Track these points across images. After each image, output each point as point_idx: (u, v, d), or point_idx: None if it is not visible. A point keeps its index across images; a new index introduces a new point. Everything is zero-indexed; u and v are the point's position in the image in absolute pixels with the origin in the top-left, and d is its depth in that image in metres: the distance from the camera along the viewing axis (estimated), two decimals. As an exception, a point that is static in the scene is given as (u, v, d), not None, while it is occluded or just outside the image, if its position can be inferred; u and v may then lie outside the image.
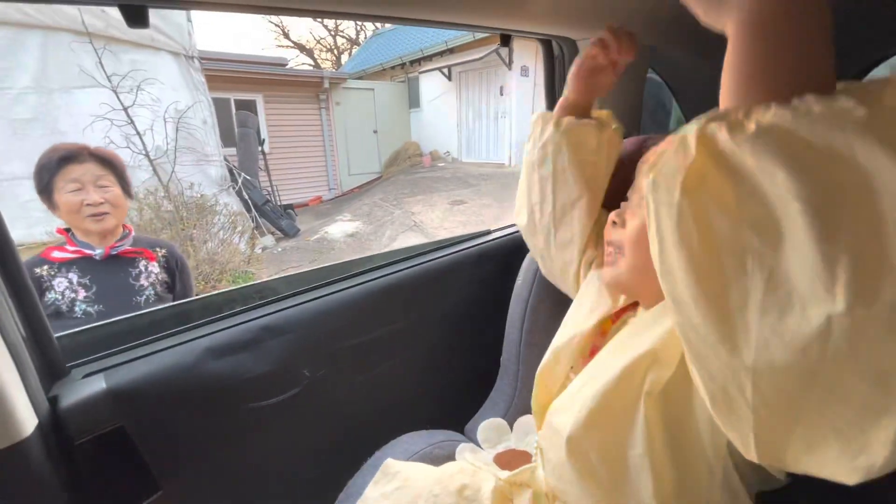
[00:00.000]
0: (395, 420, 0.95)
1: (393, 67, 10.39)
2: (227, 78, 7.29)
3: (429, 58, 9.40)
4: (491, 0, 0.68)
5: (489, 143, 8.95)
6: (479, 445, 0.87)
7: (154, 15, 4.62)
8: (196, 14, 6.18)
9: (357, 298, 1.00)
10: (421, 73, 9.69)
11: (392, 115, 10.05)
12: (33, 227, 4.03)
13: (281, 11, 0.61)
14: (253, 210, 5.51)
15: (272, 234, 5.84)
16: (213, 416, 0.81)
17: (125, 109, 3.96)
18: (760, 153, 0.27)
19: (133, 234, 1.24)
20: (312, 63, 16.68)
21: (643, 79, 1.04)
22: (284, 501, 0.88)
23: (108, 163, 1.16)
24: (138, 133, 4.06)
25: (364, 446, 0.87)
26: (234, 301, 1.03)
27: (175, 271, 1.31)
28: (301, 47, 16.81)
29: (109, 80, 3.90)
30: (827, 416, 0.27)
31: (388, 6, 0.72)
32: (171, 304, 1.23)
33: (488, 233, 1.30)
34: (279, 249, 5.40)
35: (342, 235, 5.72)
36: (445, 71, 9.07)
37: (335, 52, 17.15)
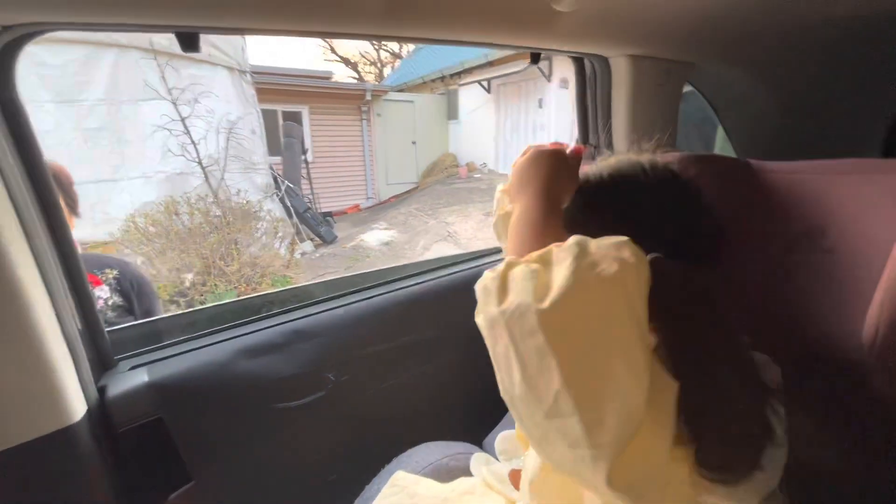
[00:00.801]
0: (415, 429, 0.96)
1: (433, 80, 10.58)
2: (276, 91, 7.65)
3: (468, 71, 9.51)
4: (521, 19, 0.70)
5: (526, 155, 8.90)
6: (496, 458, 0.87)
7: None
8: (250, 31, 6.52)
9: (384, 306, 1.03)
10: (460, 85, 9.82)
11: (431, 126, 10.21)
12: (97, 228, 4.36)
13: (315, 34, 0.65)
14: (294, 216, 5.73)
15: (311, 240, 6.04)
16: (243, 414, 0.85)
17: (182, 120, 4.25)
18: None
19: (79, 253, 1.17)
20: (357, 76, 17.26)
21: (679, 96, 1.02)
22: (306, 501, 0.91)
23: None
24: (193, 142, 4.34)
25: (384, 453, 0.89)
26: (272, 304, 1.08)
27: (130, 293, 1.21)
28: (346, 61, 17.44)
29: (170, 93, 4.20)
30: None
31: (418, 27, 0.75)
32: (215, 304, 1.30)
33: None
34: (317, 255, 5.57)
35: (377, 243, 5.83)
36: (485, 83, 9.14)
37: (378, 65, 17.67)
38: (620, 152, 0.58)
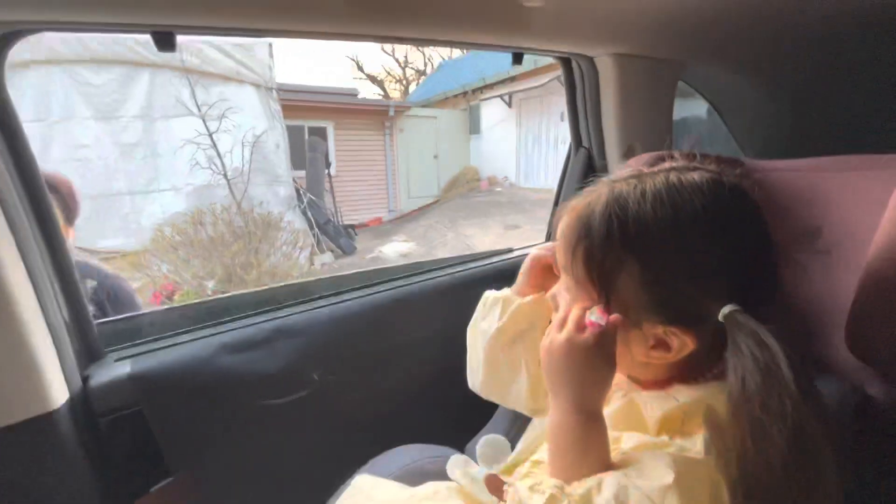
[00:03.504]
0: (398, 431, 0.94)
1: (455, 96, 10.73)
2: (302, 107, 7.91)
3: (490, 86, 9.61)
4: (491, 17, 0.70)
5: (547, 169, 8.88)
6: (477, 462, 0.85)
7: (241, 52, 5.19)
8: (277, 50, 6.78)
9: (372, 307, 1.03)
10: (482, 100, 9.92)
11: (452, 141, 10.32)
12: (130, 237, 4.58)
13: (286, 34, 0.68)
14: (315, 228, 5.85)
15: (332, 251, 6.15)
16: (225, 410, 0.86)
17: (210, 135, 4.44)
18: None
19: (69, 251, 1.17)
20: (383, 93, 17.67)
21: (671, 95, 1.00)
22: (284, 500, 0.90)
23: (52, 189, 1.09)
24: (219, 156, 4.52)
25: (365, 453, 0.88)
26: (267, 301, 1.10)
27: (105, 303, 1.22)
28: (373, 79, 17.92)
29: (199, 109, 4.40)
30: None
31: (388, 26, 0.75)
32: (210, 298, 1.33)
33: (510, 251, 1.28)
34: (336, 265, 5.66)
35: (395, 255, 5.88)
36: (506, 98, 9.21)
37: (404, 82, 18.07)
38: (644, 167, 0.51)
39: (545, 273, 0.64)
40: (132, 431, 0.79)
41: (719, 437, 0.42)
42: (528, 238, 5.84)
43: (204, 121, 4.48)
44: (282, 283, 3.67)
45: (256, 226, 4.23)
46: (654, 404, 0.49)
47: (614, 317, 0.46)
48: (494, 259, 1.23)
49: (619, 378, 0.59)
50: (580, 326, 0.47)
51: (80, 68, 4.57)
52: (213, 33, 0.62)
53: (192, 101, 4.47)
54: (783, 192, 0.69)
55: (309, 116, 8.24)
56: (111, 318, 0.94)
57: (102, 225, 4.66)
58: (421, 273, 1.16)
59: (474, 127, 10.41)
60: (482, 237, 6.10)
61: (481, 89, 9.88)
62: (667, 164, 0.51)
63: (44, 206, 0.69)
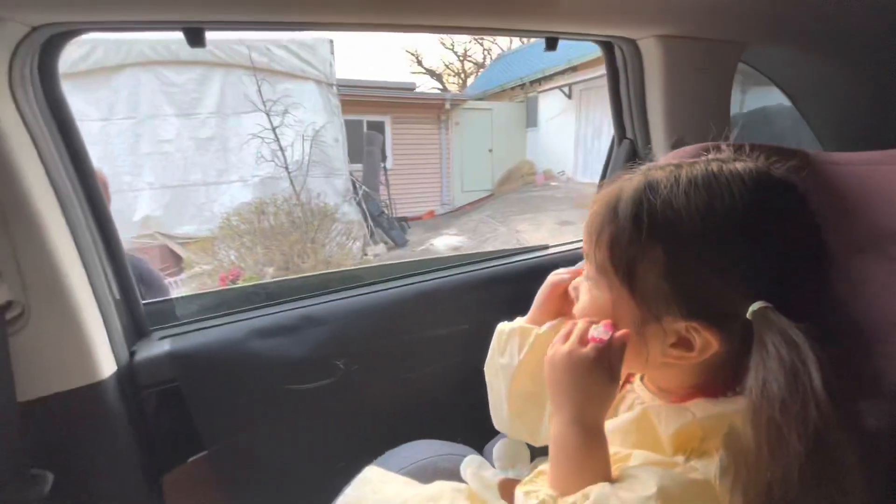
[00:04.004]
0: (417, 425, 0.94)
1: (513, 88, 10.54)
2: (361, 102, 8.13)
3: (549, 77, 9.32)
4: (542, 2, 0.65)
5: (608, 162, 8.49)
6: (493, 465, 0.82)
7: (305, 50, 5.42)
8: (338, 46, 7.02)
9: (399, 300, 1.03)
10: (540, 92, 9.65)
11: (508, 134, 10.15)
12: (203, 225, 4.97)
13: (313, 26, 0.68)
14: (369, 220, 6.02)
15: (385, 242, 6.30)
16: (254, 392, 0.90)
17: (273, 129, 4.69)
18: None
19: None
20: (441, 87, 17.76)
21: (728, 81, 0.90)
22: (304, 483, 0.93)
23: None
24: (281, 149, 4.77)
25: (382, 444, 0.88)
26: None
27: (140, 287, 1.38)
28: (432, 73, 18.05)
29: (264, 105, 4.66)
30: None
31: (427, 15, 0.74)
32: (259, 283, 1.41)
33: (546, 248, 1.23)
34: (387, 256, 5.79)
35: (445, 248, 5.92)
36: (566, 89, 8.89)
37: (462, 75, 18.04)
38: (686, 158, 0.47)
39: (562, 300, 0.61)
40: (171, 405, 0.85)
41: (741, 459, 0.38)
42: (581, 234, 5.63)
43: (268, 116, 4.74)
44: (334, 270, 3.81)
45: (313, 216, 4.43)
46: (669, 418, 0.46)
47: (621, 333, 0.45)
48: (527, 255, 1.19)
49: (639, 388, 0.54)
50: (583, 340, 0.46)
51: (165, 69, 5.00)
52: (238, 28, 0.64)
53: (258, 98, 4.75)
54: (856, 188, 0.60)
55: (367, 111, 8.46)
56: (158, 300, 1.02)
57: (180, 213, 5.10)
58: (451, 267, 1.15)
59: (531, 119, 10.16)
60: (534, 233, 5.96)
61: (540, 80, 9.61)
62: (710, 156, 0.47)
63: (96, 197, 0.75)
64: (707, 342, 0.42)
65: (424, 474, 0.77)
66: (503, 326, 0.65)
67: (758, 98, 1.32)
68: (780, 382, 0.36)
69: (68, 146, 0.69)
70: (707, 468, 0.41)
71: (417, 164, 9.18)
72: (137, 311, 0.86)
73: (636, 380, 0.56)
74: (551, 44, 0.81)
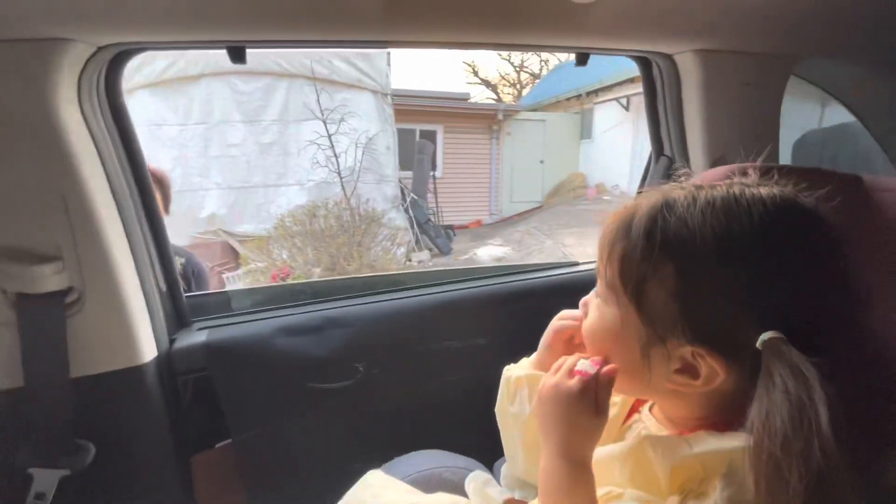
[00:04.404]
0: (430, 434, 0.95)
1: (568, 99, 10.36)
2: (415, 111, 8.34)
3: (608, 88, 9.08)
4: (538, 16, 0.66)
5: (666, 177, 8.11)
6: (499, 483, 0.81)
7: (363, 61, 5.65)
8: (396, 57, 7.24)
9: (422, 308, 1.05)
10: (597, 103, 9.42)
11: (561, 145, 9.99)
12: (260, 224, 5.27)
13: (335, 44, 0.72)
14: (415, 227, 6.13)
15: (429, 249, 6.39)
16: (278, 387, 0.95)
17: (329, 137, 4.92)
18: None
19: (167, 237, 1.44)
20: (496, 97, 17.82)
21: (777, 97, 0.84)
22: (318, 480, 0.96)
23: (156, 181, 1.38)
24: (335, 155, 4.99)
25: (396, 450, 0.90)
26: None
27: (191, 278, 1.48)
28: (487, 83, 18.16)
29: (322, 114, 4.91)
30: None
31: (455, 32, 0.76)
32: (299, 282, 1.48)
33: (576, 264, 1.20)
34: (431, 263, 5.86)
35: (488, 258, 5.89)
36: (624, 101, 8.61)
37: (518, 86, 17.99)
38: (713, 181, 0.45)
39: (567, 345, 0.60)
40: (203, 393, 0.92)
41: (737, 496, 0.37)
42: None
43: (325, 124, 4.98)
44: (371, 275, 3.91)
45: (361, 221, 4.58)
46: (666, 450, 0.43)
47: (608, 367, 0.45)
48: (558, 271, 1.16)
49: (647, 417, 0.52)
50: (571, 373, 0.47)
51: (236, 79, 5.39)
52: (273, 46, 0.69)
53: (317, 107, 5.00)
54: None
55: (421, 120, 8.65)
56: (202, 293, 1.10)
57: (241, 212, 5.46)
58: (476, 279, 1.15)
59: (586, 131, 9.93)
60: (580, 247, 5.80)
61: (597, 91, 9.38)
62: (735, 179, 0.45)
63: (149, 198, 0.83)
64: (713, 371, 0.40)
65: (428, 484, 0.77)
66: (510, 372, 0.64)
67: (842, 112, 1.21)
68: (784, 417, 0.34)
69: (127, 151, 0.77)
70: None
71: (467, 173, 9.25)
72: (180, 303, 0.94)
73: (644, 409, 0.55)
74: (582, 59, 0.80)
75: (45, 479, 0.76)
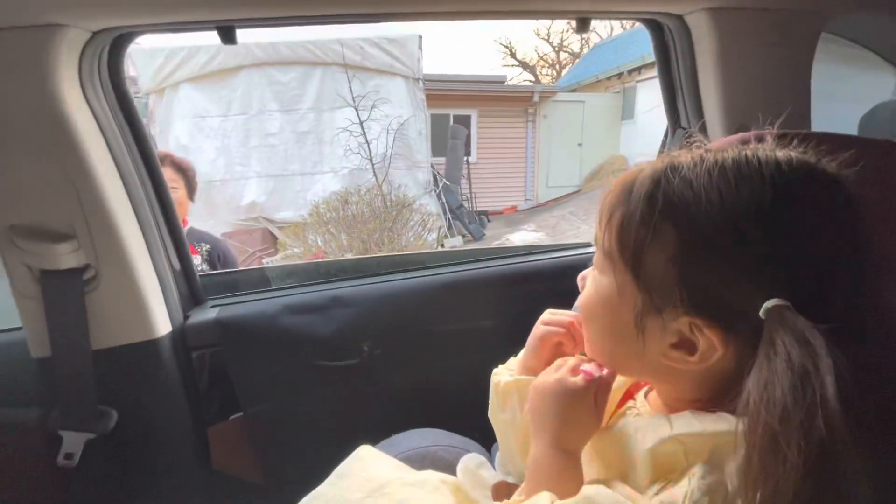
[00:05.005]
0: (432, 414, 0.95)
1: (609, 78, 9.91)
2: (448, 96, 8.26)
3: (650, 65, 8.60)
4: None
5: (714, 158, 7.64)
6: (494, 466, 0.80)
7: (395, 47, 5.64)
8: (429, 40, 7.17)
9: (428, 288, 1.04)
10: (638, 81, 8.95)
11: (600, 127, 9.60)
12: (298, 211, 5.44)
13: (337, 19, 0.71)
14: (448, 212, 6.13)
15: (462, 235, 6.38)
16: (285, 364, 0.98)
17: (361, 124, 4.97)
18: None
19: (188, 228, 1.47)
20: (534, 79, 17.34)
21: (806, 57, 0.75)
22: (321, 454, 0.99)
23: (181, 169, 1.45)
24: (367, 142, 5.04)
25: (397, 428, 0.91)
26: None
27: (217, 264, 1.53)
28: (525, 65, 17.68)
29: (354, 101, 4.96)
30: None
31: (459, 2, 0.73)
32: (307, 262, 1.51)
33: (588, 245, 1.15)
34: (462, 249, 5.86)
35: (521, 244, 5.80)
36: (668, 78, 8.16)
37: (557, 67, 17.42)
38: (727, 146, 0.41)
39: (555, 349, 0.59)
40: (214, 367, 0.96)
41: (717, 485, 0.35)
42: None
43: (357, 111, 5.03)
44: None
45: (392, 207, 4.62)
46: (647, 431, 0.42)
47: (609, 371, 0.47)
48: (569, 252, 1.12)
49: (641, 403, 0.51)
50: (575, 371, 0.47)
51: (273, 69, 5.53)
52: (264, 25, 0.70)
53: (349, 94, 5.06)
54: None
55: (455, 105, 8.56)
56: (215, 272, 1.15)
57: (280, 200, 5.65)
58: (485, 259, 1.13)
59: (627, 111, 9.48)
60: (619, 232, 5.60)
61: (639, 69, 8.91)
62: (751, 145, 0.41)
63: (158, 180, 0.87)
64: (710, 345, 0.38)
65: (422, 462, 0.78)
66: (498, 377, 0.63)
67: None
68: (785, 387, 0.31)
69: (133, 134, 0.81)
70: (673, 497, 0.37)
71: (502, 157, 9.10)
72: (193, 281, 0.98)
73: (640, 395, 0.52)
74: (583, 25, 0.75)
75: (74, 441, 0.82)
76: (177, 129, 5.46)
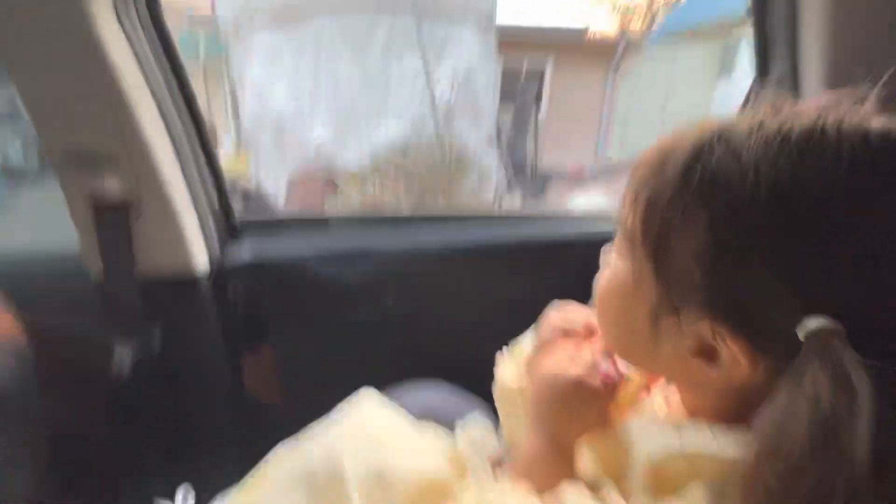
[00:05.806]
0: (452, 375, 0.93)
1: (706, 30, 8.75)
2: (522, 45, 7.78)
3: (762, 12, 7.46)
4: None
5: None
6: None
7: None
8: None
9: (467, 251, 1.01)
10: (741, 35, 7.83)
11: (693, 84, 8.64)
12: (361, 160, 5.51)
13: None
14: (510, 169, 5.94)
15: (522, 194, 6.18)
16: (312, 308, 1.01)
17: (426, 73, 4.85)
18: None
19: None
20: (623, 28, 15.80)
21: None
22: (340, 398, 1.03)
23: None
24: (432, 92, 4.92)
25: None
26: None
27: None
28: (613, 9, 16.09)
29: (421, 48, 4.83)
30: None
31: None
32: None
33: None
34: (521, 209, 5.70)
35: (585, 207, 5.53)
36: (783, 27, 7.04)
37: (651, 13, 15.67)
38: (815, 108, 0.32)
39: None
40: (250, 303, 1.01)
41: None
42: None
43: (424, 59, 4.89)
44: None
45: (451, 161, 4.55)
46: (650, 437, 0.38)
47: (627, 372, 0.45)
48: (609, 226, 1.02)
49: (658, 404, 0.46)
50: (592, 371, 0.44)
51: (343, 14, 5.48)
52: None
53: (417, 41, 4.91)
54: None
55: (528, 54, 8.06)
56: (257, 219, 1.20)
57: (344, 146, 5.76)
58: (533, 221, 1.07)
59: (727, 66, 8.40)
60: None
61: (744, 21, 7.76)
62: (842, 108, 0.32)
63: (196, 114, 0.88)
64: (734, 359, 0.31)
65: (427, 415, 0.77)
66: (503, 380, 0.59)
67: None
68: (800, 433, 0.26)
69: (173, 67, 0.82)
70: None
71: (575, 113, 8.55)
72: (231, 220, 1.02)
73: (657, 391, 0.48)
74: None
75: (124, 358, 0.91)
76: (252, 71, 5.66)
